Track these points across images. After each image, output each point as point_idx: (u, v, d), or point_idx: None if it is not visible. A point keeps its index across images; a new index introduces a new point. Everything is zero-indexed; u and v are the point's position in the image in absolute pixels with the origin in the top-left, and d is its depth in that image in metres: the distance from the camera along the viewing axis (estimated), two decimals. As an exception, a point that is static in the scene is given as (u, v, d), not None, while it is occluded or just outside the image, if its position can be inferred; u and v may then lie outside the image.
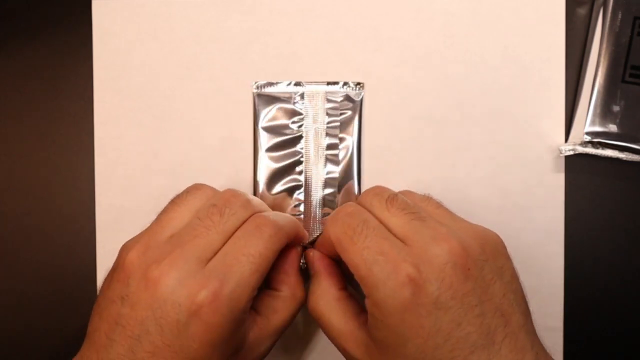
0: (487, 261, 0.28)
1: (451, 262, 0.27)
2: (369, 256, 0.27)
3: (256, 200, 0.33)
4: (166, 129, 0.38)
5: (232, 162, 0.38)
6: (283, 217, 0.32)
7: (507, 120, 0.37)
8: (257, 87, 0.37)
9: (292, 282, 0.33)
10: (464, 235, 0.28)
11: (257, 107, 0.37)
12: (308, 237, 0.35)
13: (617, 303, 0.37)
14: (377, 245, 0.28)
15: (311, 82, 0.37)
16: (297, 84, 0.37)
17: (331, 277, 0.33)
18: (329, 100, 0.37)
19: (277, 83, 0.37)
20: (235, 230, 0.30)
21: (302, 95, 0.37)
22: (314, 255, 0.34)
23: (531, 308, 0.29)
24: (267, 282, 0.33)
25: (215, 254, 0.29)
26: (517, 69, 0.37)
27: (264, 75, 0.38)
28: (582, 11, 0.37)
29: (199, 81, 0.38)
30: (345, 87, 0.37)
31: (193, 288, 0.27)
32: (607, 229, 0.37)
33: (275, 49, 0.38)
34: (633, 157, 0.36)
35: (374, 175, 0.37)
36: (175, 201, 0.32)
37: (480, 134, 0.37)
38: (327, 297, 0.32)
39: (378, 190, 0.31)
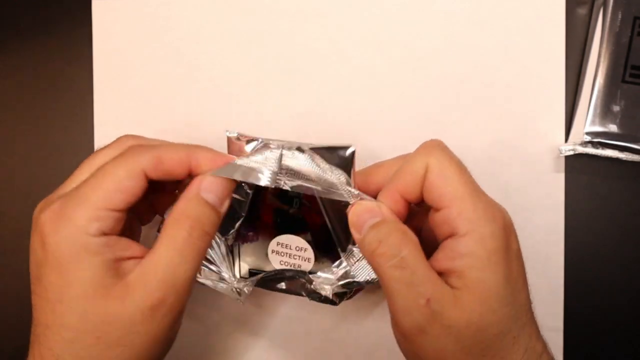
0: None
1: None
2: (475, 194, 0.27)
3: (163, 142, 0.30)
4: (166, 129, 0.38)
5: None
6: (167, 144, 0.30)
7: (507, 120, 0.37)
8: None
9: (179, 205, 0.29)
10: None
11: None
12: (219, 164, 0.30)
13: (617, 303, 0.37)
14: (479, 186, 0.28)
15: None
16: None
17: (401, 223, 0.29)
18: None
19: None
20: None
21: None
22: (380, 204, 0.29)
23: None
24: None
25: None
26: (517, 69, 0.37)
27: (264, 75, 0.38)
28: (582, 11, 0.37)
29: (199, 81, 0.38)
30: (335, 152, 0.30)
31: (40, 210, 0.28)
32: (607, 229, 0.37)
33: (275, 49, 0.38)
34: (633, 157, 0.36)
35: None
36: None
37: (480, 134, 0.37)
38: (414, 243, 0.28)
39: (443, 145, 0.30)
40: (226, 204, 0.30)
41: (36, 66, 0.39)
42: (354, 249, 0.32)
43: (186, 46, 0.38)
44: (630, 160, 0.36)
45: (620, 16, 0.36)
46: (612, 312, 0.37)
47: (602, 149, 0.36)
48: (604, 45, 0.36)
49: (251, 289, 0.33)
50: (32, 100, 0.39)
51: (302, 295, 0.33)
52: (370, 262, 0.29)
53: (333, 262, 0.32)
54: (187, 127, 0.38)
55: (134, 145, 0.29)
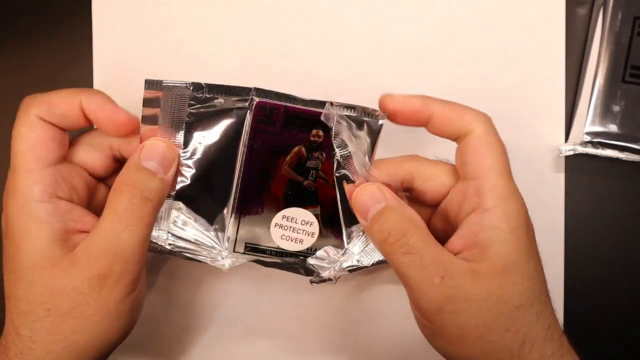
0: None
1: None
2: (509, 173, 0.29)
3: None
4: (166, 129, 0.38)
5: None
6: (59, 90, 0.30)
7: (507, 120, 0.37)
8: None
9: (119, 175, 0.29)
10: None
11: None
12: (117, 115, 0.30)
13: (617, 303, 0.37)
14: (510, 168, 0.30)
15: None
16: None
17: (405, 206, 0.29)
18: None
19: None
20: None
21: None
22: (381, 187, 0.29)
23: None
24: None
25: None
26: (517, 69, 0.37)
27: (264, 74, 0.38)
28: (582, 11, 0.37)
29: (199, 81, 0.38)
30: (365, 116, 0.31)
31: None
32: (607, 229, 0.37)
33: (275, 49, 0.38)
34: (633, 157, 0.36)
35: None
36: None
37: (480, 134, 0.37)
38: (421, 228, 0.28)
39: (491, 120, 0.31)
40: (171, 170, 0.30)
41: (36, 66, 0.39)
42: (359, 231, 0.31)
43: (186, 46, 0.38)
44: (630, 160, 0.36)
45: (620, 16, 0.36)
46: (612, 312, 0.37)
47: (602, 149, 0.36)
48: (604, 45, 0.36)
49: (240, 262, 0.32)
50: (32, 100, 0.39)
51: (300, 274, 0.32)
52: (379, 250, 0.29)
53: (337, 238, 0.32)
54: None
55: (26, 97, 0.29)
